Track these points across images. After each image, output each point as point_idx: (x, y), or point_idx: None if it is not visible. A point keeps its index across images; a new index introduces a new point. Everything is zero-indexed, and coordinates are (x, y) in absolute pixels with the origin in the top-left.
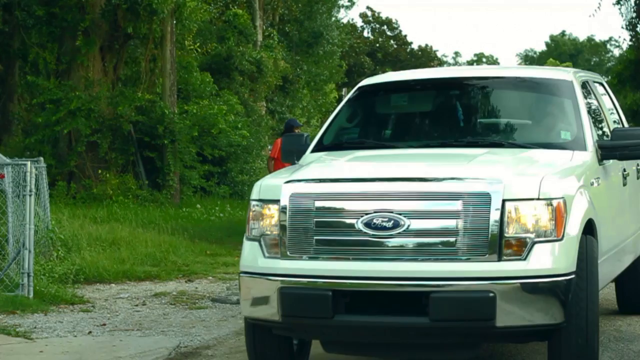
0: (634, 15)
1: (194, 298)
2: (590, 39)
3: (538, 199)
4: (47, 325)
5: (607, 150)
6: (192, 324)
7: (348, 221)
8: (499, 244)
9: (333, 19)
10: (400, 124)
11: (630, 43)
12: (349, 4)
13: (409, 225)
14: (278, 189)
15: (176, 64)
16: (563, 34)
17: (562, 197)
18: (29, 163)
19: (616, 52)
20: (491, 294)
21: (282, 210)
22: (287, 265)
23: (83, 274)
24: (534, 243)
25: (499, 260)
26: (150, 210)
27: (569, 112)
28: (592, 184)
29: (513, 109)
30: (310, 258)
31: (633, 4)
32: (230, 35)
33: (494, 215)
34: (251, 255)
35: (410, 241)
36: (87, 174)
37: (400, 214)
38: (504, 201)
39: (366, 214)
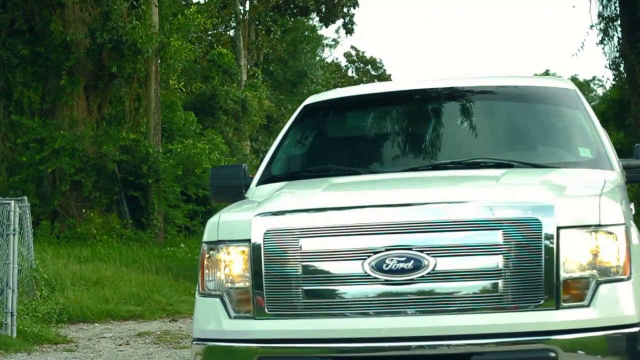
0: (617, 54)
1: (177, 338)
2: (574, 78)
3: (599, 225)
4: None
5: (636, 171)
6: None
7: (349, 263)
8: (555, 286)
9: (317, 58)
10: (371, 147)
11: (613, 82)
12: (333, 43)
13: (434, 266)
14: (246, 225)
15: (160, 103)
16: (547, 72)
17: (624, 224)
18: (12, 202)
19: (600, 91)
20: (552, 354)
21: (254, 253)
22: (266, 326)
23: (67, 314)
24: (599, 283)
25: (557, 307)
26: (134, 249)
27: (582, 125)
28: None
29: (514, 123)
30: (299, 315)
31: (616, 44)
32: (214, 74)
33: (547, 248)
34: (210, 316)
35: (438, 287)
36: (71, 213)
37: (421, 251)
38: (558, 229)
39: (375, 252)
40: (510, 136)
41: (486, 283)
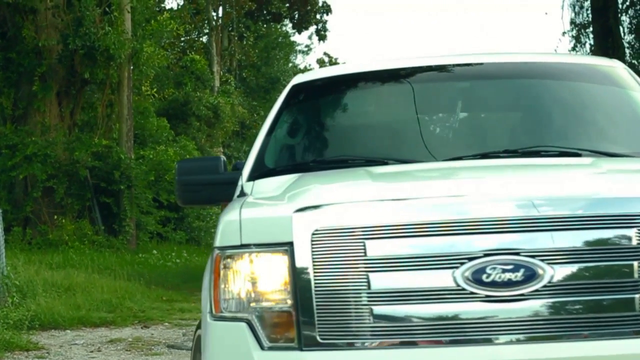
0: None
1: (149, 344)
2: None
3: None
4: None
5: None
6: None
7: (435, 274)
8: None
9: (290, 64)
10: (395, 133)
11: None
12: (306, 49)
13: (552, 277)
14: (284, 223)
15: (133, 110)
16: None
17: None
18: None
19: None
20: None
21: (299, 260)
22: None
23: (38, 320)
24: None
25: None
26: (106, 256)
27: None
28: None
29: (569, 105)
30: (365, 346)
31: (588, 50)
32: (187, 80)
33: None
34: (233, 349)
35: (558, 304)
36: (43, 220)
37: (533, 256)
38: None
39: (470, 258)
40: (568, 120)
41: (621, 298)
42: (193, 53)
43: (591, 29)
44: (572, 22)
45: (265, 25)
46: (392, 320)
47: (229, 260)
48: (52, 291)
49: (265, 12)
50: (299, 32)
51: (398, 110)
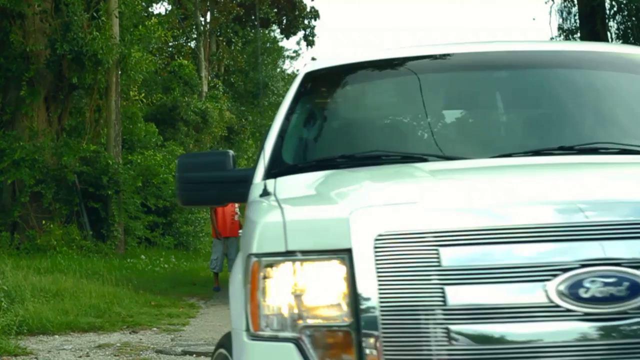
0: None
1: (138, 349)
2: None
3: None
4: None
5: None
6: None
7: (524, 287)
8: None
9: (278, 69)
10: (430, 127)
11: None
12: (294, 55)
13: None
14: (339, 226)
15: (121, 115)
16: None
17: None
18: None
19: None
20: None
21: (359, 270)
22: None
23: (26, 325)
24: None
25: None
26: (94, 261)
27: None
28: None
29: (623, 98)
30: None
31: None
32: (175, 85)
33: None
34: None
35: None
36: (31, 225)
37: (637, 267)
38: None
39: (565, 269)
40: (620, 114)
41: None
42: (181, 58)
43: (579, 34)
44: (560, 28)
45: (253, 31)
46: (472, 341)
47: (270, 269)
48: (40, 296)
49: (253, 17)
50: (287, 37)
51: (430, 102)
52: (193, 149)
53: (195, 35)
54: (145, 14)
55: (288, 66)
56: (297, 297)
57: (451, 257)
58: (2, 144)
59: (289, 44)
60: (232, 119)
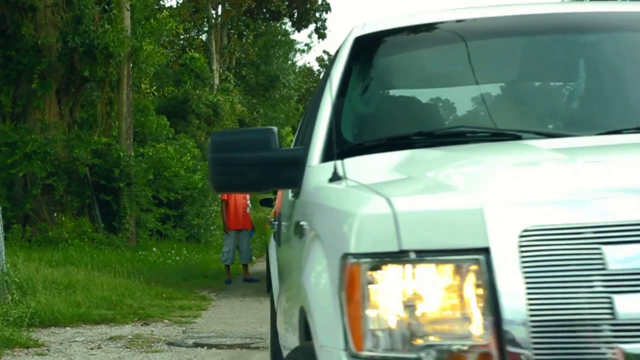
0: None
1: (149, 341)
2: None
3: None
4: None
5: None
6: None
7: None
8: None
9: (289, 62)
10: (518, 100)
11: None
12: (305, 48)
13: None
14: (472, 219)
15: (132, 107)
16: None
17: None
18: None
19: None
20: None
21: (501, 275)
22: None
23: (38, 317)
24: None
25: None
26: (106, 253)
27: None
28: None
29: None
30: None
31: None
32: (187, 78)
33: None
34: None
35: None
36: (43, 217)
37: None
38: None
39: None
40: None
41: None
42: (192, 51)
43: None
44: None
45: (264, 24)
46: None
47: (377, 273)
48: (52, 288)
49: (264, 10)
50: (298, 30)
51: (508, 70)
52: (204, 141)
53: (206, 28)
54: (157, 7)
55: (299, 59)
56: (415, 308)
57: (619, 257)
58: (13, 136)
59: (301, 37)
60: (243, 111)
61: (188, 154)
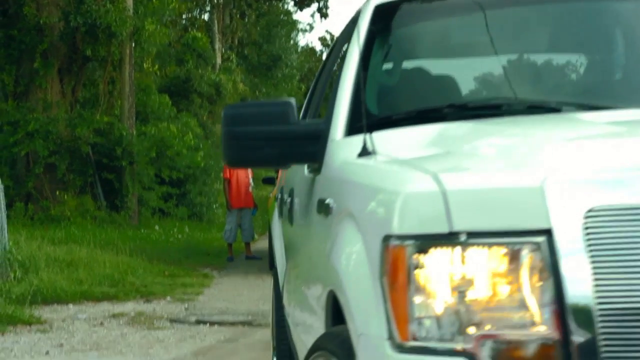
0: None
1: (152, 319)
2: None
3: None
4: (4, 346)
5: None
6: (150, 344)
7: None
8: None
9: (292, 42)
10: (556, 69)
11: None
12: (307, 27)
13: None
14: (531, 198)
15: (135, 86)
16: None
17: None
18: None
19: None
20: None
21: (566, 260)
22: None
23: (40, 295)
24: None
25: None
26: (108, 231)
27: None
28: None
29: None
30: None
31: None
32: (189, 58)
33: None
34: None
35: None
36: (45, 195)
37: None
38: None
39: None
40: None
41: None
42: (195, 30)
43: None
44: None
45: (267, 3)
46: None
47: (424, 257)
48: (55, 266)
49: None
50: (301, 9)
51: (540, 38)
52: (207, 121)
53: (208, 8)
54: None
55: (301, 39)
56: (468, 295)
57: None
58: (16, 115)
59: (303, 16)
60: (245, 91)
61: (190, 133)
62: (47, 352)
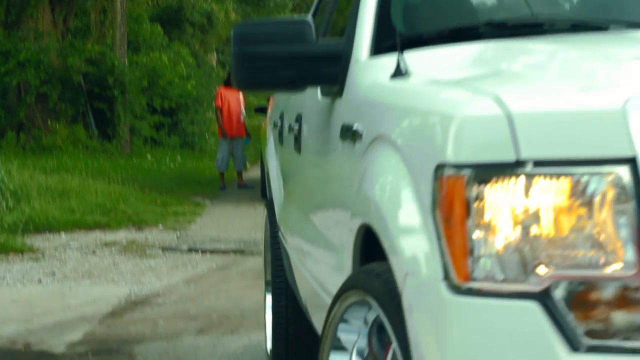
0: None
1: (144, 247)
2: None
3: None
4: None
5: None
6: (142, 272)
7: None
8: None
9: None
10: None
11: None
12: None
13: None
14: (611, 122)
15: (126, 16)
16: None
17: None
18: None
19: None
20: None
21: None
22: None
23: (33, 224)
24: None
25: None
26: (100, 160)
27: None
28: None
29: None
30: None
31: None
32: None
33: None
34: (514, 349)
35: None
36: (37, 125)
37: None
38: None
39: None
40: None
41: None
42: None
43: None
44: None
45: None
46: None
47: (486, 188)
48: (47, 195)
49: None
50: None
51: None
52: (199, 50)
53: None
54: None
55: None
56: (537, 231)
57: None
58: (7, 45)
59: None
60: (237, 20)
61: (182, 62)
62: (39, 280)
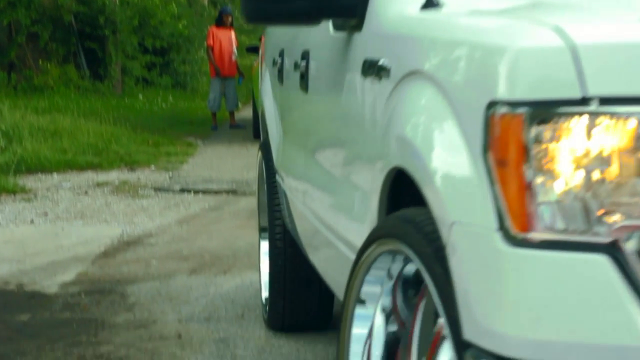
0: None
1: (136, 187)
2: None
3: None
4: None
5: None
6: (134, 212)
7: None
8: None
9: None
10: None
11: None
12: None
13: None
14: None
15: None
16: None
17: None
18: None
19: None
20: None
21: None
22: None
23: (25, 164)
24: None
25: None
26: (91, 100)
27: None
28: None
29: None
30: None
31: None
32: None
33: None
34: (585, 305)
35: None
36: (28, 65)
37: None
38: None
39: None
40: None
41: None
42: None
43: None
44: None
45: None
46: None
47: (547, 128)
48: (38, 135)
49: None
50: None
51: None
52: None
53: None
54: None
55: None
56: (605, 176)
57: None
58: None
59: None
60: None
61: (173, 2)
62: (31, 221)
